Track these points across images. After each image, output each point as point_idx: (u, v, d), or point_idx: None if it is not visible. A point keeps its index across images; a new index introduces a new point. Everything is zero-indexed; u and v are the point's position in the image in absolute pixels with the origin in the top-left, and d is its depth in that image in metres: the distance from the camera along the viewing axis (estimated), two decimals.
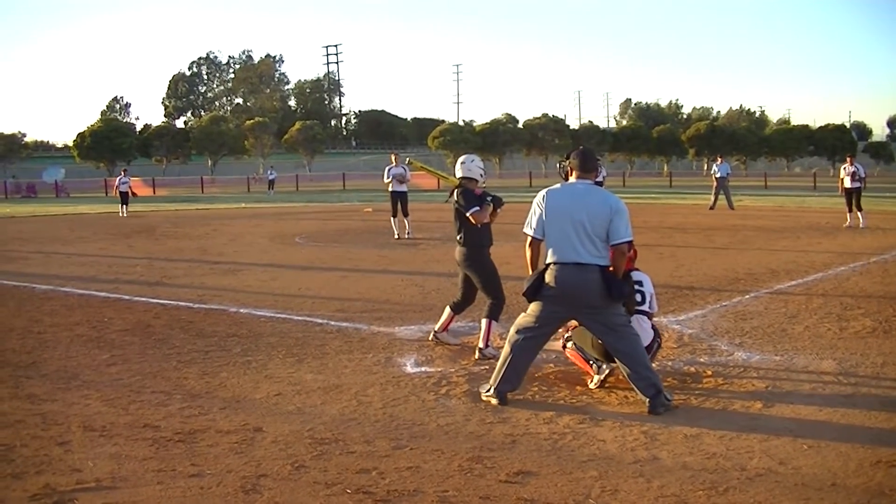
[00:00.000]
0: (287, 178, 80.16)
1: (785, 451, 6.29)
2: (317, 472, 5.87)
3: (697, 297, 12.95)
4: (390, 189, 24.65)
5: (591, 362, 8.13)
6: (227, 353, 9.59)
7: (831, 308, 12.10)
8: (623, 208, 7.48)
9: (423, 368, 8.85)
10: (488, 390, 7.62)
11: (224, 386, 8.25)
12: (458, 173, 9.87)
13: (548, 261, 7.53)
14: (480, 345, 9.33)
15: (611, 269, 7.41)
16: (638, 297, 8.22)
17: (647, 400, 7.27)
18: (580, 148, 8.01)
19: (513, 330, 7.73)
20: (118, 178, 39.99)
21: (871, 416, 7.15)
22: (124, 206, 38.11)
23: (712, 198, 36.33)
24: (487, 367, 8.59)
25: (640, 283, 8.36)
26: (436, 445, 6.44)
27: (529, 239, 7.69)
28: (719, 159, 38.26)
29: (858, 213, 25.72)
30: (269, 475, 5.82)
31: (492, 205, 9.58)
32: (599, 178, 8.83)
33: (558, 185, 7.76)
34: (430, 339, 10.06)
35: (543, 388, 8.00)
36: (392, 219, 24.62)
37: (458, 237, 9.67)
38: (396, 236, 24.00)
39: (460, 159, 10.07)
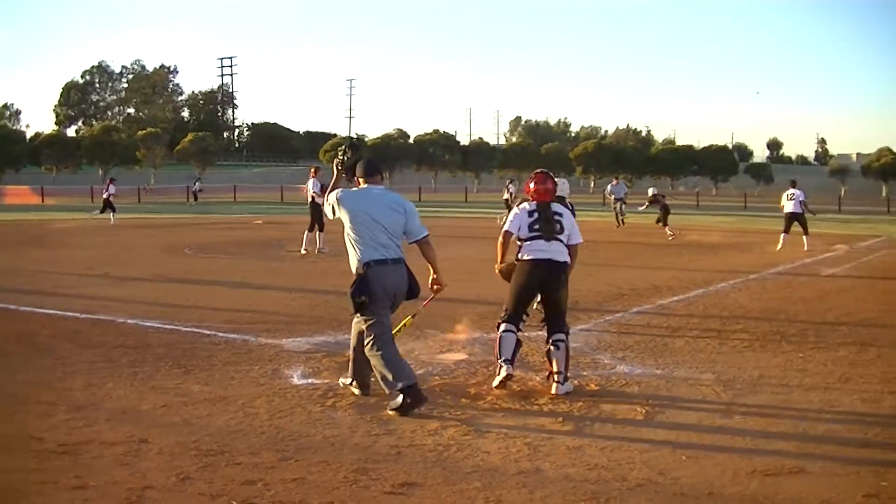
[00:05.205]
0: (178, 190, 79.14)
1: (664, 461, 6.43)
2: (202, 484, 5.83)
3: (581, 312, 13.10)
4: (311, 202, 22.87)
5: (499, 359, 8.57)
6: (113, 364, 9.43)
7: (711, 323, 12.42)
8: (415, 208, 8.32)
9: (309, 380, 8.82)
10: (395, 393, 7.78)
11: (110, 397, 8.13)
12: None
13: (366, 259, 7.91)
14: None
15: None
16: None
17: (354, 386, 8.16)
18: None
19: (357, 330, 8.13)
20: (105, 186, 39.26)
21: (747, 427, 7.37)
22: (111, 212, 37.73)
23: (615, 216, 36.95)
24: (374, 378, 8.62)
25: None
26: (321, 457, 6.44)
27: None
28: (615, 180, 39.20)
29: (804, 238, 25.84)
30: (154, 487, 5.75)
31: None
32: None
33: (354, 189, 8.34)
34: None
35: (428, 401, 8.05)
36: (307, 233, 23.22)
37: None
38: (304, 251, 22.92)
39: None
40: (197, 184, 68.01)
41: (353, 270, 8.01)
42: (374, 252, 7.89)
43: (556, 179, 11.08)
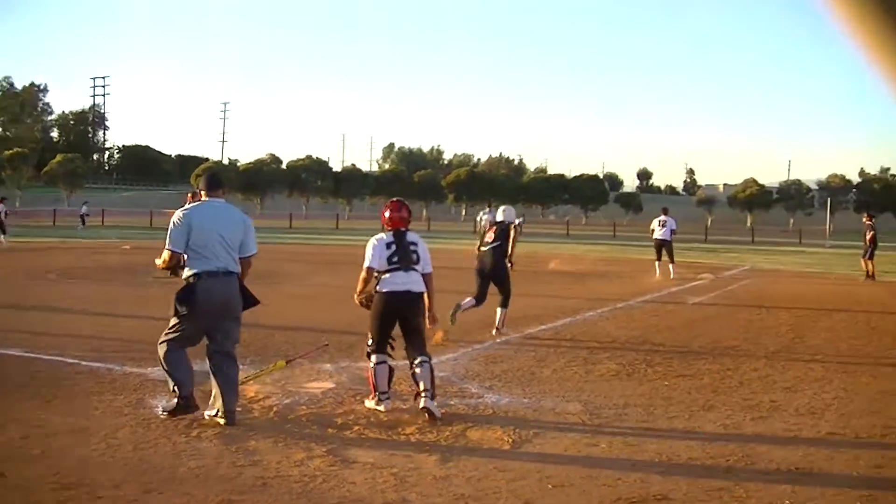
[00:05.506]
0: (45, 213, 77.38)
1: (531, 490, 6.47)
2: None
3: (449, 342, 13.15)
4: None
5: (376, 391, 8.85)
6: None
7: (578, 352, 12.57)
8: (252, 225, 8.64)
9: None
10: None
11: None
12: (500, 217, 15.31)
13: (198, 270, 8.09)
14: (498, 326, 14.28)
15: None
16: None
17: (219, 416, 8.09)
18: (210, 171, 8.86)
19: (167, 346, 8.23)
20: None
21: (612, 455, 7.48)
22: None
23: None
24: (240, 408, 8.52)
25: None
26: (186, 489, 6.32)
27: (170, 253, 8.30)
28: (488, 208, 39.87)
29: (670, 266, 26.43)
30: None
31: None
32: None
33: (196, 203, 8.59)
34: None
35: (294, 431, 7.99)
36: None
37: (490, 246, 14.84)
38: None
39: (502, 208, 15.75)
40: (84, 207, 66.75)
41: (183, 278, 8.16)
42: (207, 264, 8.06)
43: (502, 206, 14.53)
